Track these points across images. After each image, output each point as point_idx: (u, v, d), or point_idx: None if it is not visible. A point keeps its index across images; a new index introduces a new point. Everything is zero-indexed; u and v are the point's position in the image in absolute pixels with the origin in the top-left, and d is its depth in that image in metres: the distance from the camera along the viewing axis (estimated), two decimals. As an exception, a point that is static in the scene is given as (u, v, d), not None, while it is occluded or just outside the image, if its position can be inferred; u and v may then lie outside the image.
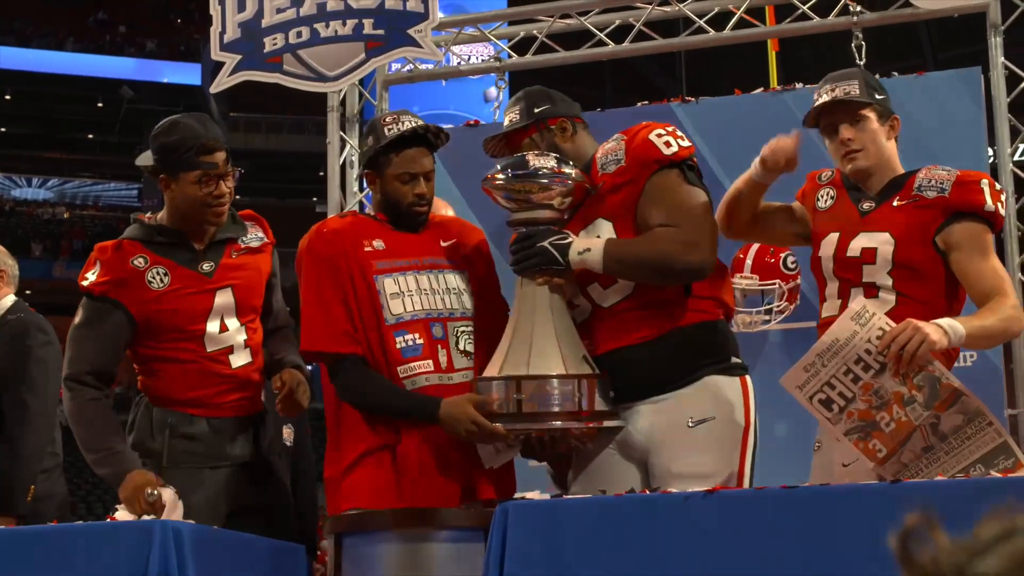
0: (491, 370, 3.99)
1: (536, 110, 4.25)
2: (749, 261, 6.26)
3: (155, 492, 4.03)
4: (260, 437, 4.55)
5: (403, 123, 4.27)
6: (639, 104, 6.90)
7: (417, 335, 4.18)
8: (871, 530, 3.12)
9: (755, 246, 6.21)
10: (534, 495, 3.62)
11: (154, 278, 4.38)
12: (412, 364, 4.13)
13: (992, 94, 6.36)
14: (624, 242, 3.97)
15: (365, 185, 7.18)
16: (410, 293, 4.22)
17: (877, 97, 4.19)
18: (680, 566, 3.33)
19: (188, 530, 3.74)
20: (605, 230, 4.02)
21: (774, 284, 6.23)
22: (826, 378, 3.74)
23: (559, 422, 3.89)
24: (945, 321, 3.73)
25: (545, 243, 3.95)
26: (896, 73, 6.46)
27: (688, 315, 4.03)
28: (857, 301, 3.88)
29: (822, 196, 4.24)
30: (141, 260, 4.40)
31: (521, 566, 3.43)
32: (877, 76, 6.39)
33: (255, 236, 4.62)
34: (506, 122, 4.33)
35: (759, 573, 3.26)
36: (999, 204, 4.01)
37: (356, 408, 4.18)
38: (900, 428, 3.69)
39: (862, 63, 6.51)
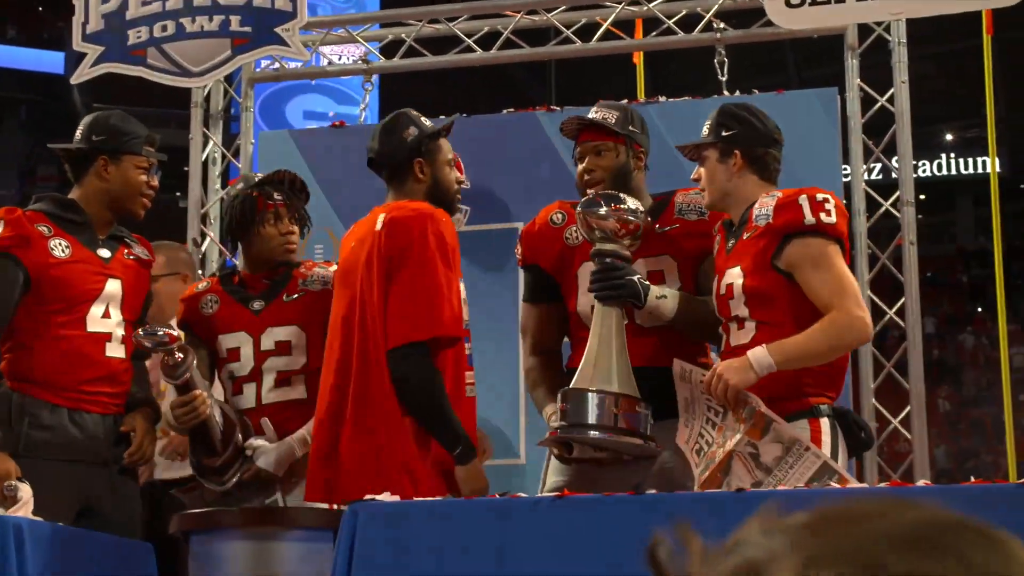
0: (583, 382, 4.12)
1: (631, 128, 4.53)
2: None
3: (14, 485, 3.97)
4: (119, 438, 4.55)
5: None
6: (505, 111, 6.94)
7: (470, 344, 4.46)
8: (715, 535, 3.17)
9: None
10: (384, 496, 3.62)
11: (56, 247, 4.49)
12: (469, 373, 4.31)
13: (847, 114, 6.52)
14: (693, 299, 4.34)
15: (235, 181, 7.14)
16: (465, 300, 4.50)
17: (726, 132, 4.36)
18: (528, 571, 3.36)
19: (30, 526, 3.68)
20: (667, 266, 4.42)
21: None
22: (698, 429, 4.00)
23: (641, 441, 4.14)
24: (753, 354, 3.88)
25: (635, 278, 4.21)
26: (757, 91, 6.59)
27: None
28: (675, 364, 4.15)
29: (717, 242, 4.38)
30: (45, 228, 4.51)
31: (369, 568, 3.43)
32: (738, 93, 6.57)
33: (143, 251, 4.80)
34: (598, 115, 4.64)
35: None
36: (824, 215, 4.10)
37: (406, 397, 4.11)
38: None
39: (724, 79, 6.63)
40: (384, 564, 3.44)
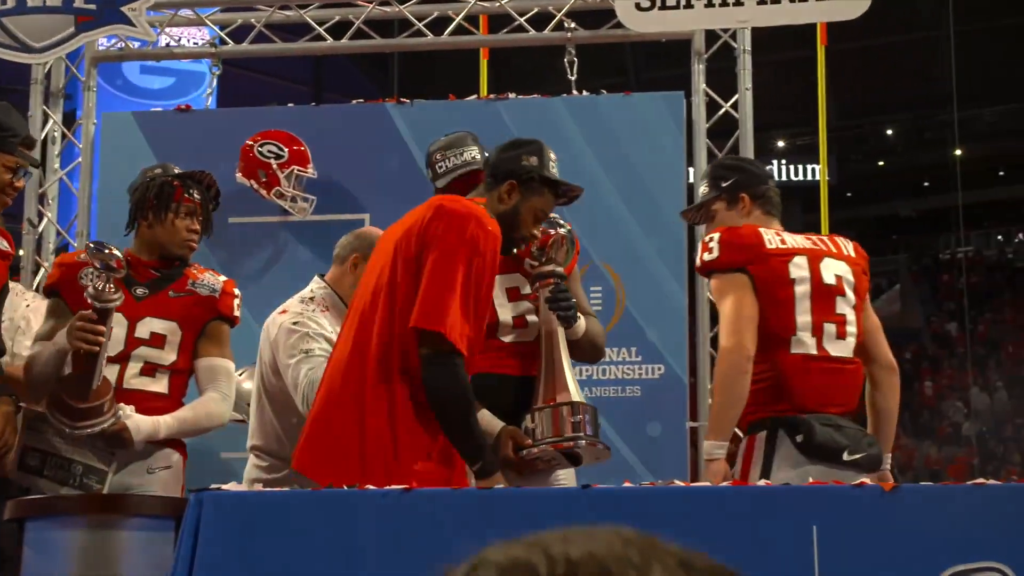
0: (565, 396, 4.27)
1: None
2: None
3: None
4: None
5: (556, 166, 4.33)
6: (354, 102, 6.90)
7: None
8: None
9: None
10: (231, 485, 3.57)
11: None
12: None
13: (693, 118, 6.63)
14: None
15: (82, 159, 6.96)
16: None
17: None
18: (374, 562, 3.35)
19: None
20: (521, 282, 4.50)
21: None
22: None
23: (601, 444, 4.39)
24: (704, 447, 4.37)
25: (573, 300, 4.40)
26: (605, 91, 6.66)
27: None
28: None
29: None
30: None
31: (213, 558, 3.38)
32: (584, 92, 6.63)
33: (2, 242, 4.59)
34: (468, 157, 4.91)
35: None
36: (707, 253, 4.37)
37: (437, 407, 3.93)
38: None
39: (574, 78, 6.69)
40: (229, 554, 3.39)
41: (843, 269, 4.41)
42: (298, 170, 6.35)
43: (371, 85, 26.16)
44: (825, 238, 4.52)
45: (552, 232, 4.39)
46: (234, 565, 3.39)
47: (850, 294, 4.38)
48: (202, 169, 4.98)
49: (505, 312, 4.42)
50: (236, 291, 4.92)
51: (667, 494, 3.46)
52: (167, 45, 7.49)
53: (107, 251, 4.30)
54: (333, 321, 4.94)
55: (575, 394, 4.27)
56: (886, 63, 32.50)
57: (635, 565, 1.09)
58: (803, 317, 4.29)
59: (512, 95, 6.63)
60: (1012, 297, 33.92)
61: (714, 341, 6.43)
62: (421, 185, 6.48)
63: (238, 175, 6.37)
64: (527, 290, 4.46)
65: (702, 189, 4.64)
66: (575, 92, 6.70)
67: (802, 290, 4.30)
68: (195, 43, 10.83)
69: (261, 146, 6.36)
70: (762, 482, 3.87)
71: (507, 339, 4.42)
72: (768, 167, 33.89)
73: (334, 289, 5.07)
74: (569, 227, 4.60)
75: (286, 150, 6.35)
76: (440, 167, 5.04)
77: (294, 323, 4.91)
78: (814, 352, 4.25)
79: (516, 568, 1.09)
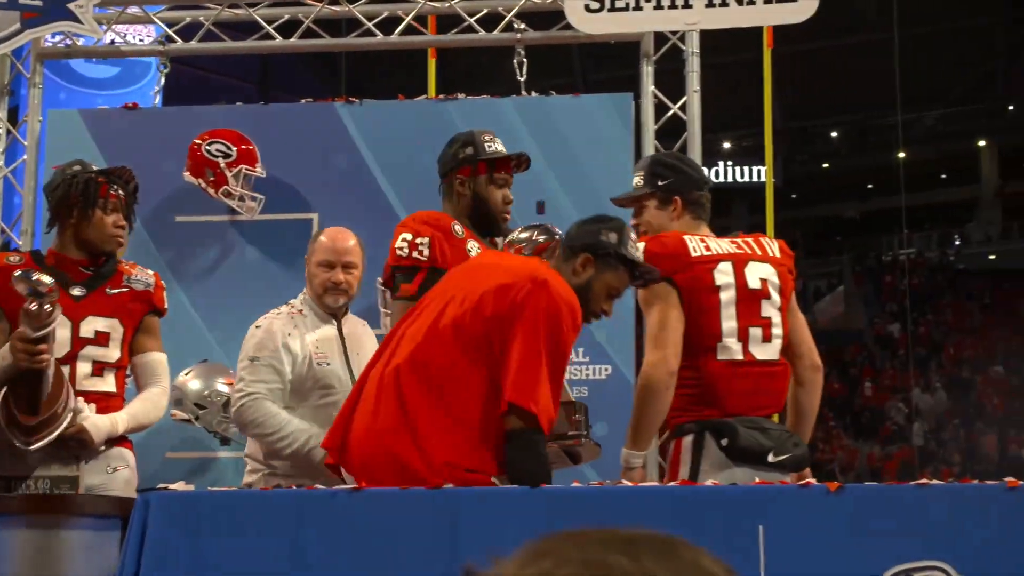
0: (564, 396, 4.29)
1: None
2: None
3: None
4: None
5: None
6: (303, 101, 6.87)
7: None
8: (516, 533, 3.21)
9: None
10: (178, 485, 3.56)
11: None
12: None
13: (641, 120, 6.65)
14: None
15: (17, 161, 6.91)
16: None
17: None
18: (323, 562, 3.34)
19: None
20: None
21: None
22: None
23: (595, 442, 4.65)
24: (622, 455, 4.40)
25: None
26: (554, 92, 6.67)
27: None
28: None
29: None
30: None
31: (160, 559, 3.37)
32: (533, 94, 6.64)
33: None
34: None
35: (404, 570, 3.30)
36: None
37: (515, 480, 3.80)
38: None
39: (523, 79, 6.70)
40: (176, 555, 3.38)
41: (768, 272, 4.45)
42: (246, 169, 6.31)
43: (319, 84, 26.08)
44: (751, 240, 4.55)
45: (551, 239, 4.50)
46: (182, 565, 3.37)
47: (775, 296, 4.42)
48: (123, 165, 4.96)
49: None
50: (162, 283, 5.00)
51: (617, 494, 3.48)
52: (112, 42, 7.42)
53: (35, 278, 4.27)
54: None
55: (569, 394, 4.33)
56: (831, 66, 32.75)
57: None
58: (728, 323, 4.34)
59: (461, 95, 6.63)
60: (953, 299, 34.30)
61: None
62: (370, 185, 6.48)
63: (186, 174, 6.33)
64: None
65: (636, 180, 4.67)
66: (524, 93, 6.70)
67: (727, 296, 4.35)
68: (141, 40, 10.75)
69: (209, 145, 6.32)
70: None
71: None
72: (715, 168, 34.22)
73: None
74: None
75: (234, 149, 6.32)
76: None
77: (253, 352, 5.06)
78: (740, 357, 4.30)
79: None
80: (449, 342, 3.90)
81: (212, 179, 6.30)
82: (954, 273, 36.52)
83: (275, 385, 5.01)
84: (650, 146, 6.69)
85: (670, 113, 6.75)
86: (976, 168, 39.96)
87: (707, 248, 4.41)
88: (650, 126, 6.71)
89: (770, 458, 4.22)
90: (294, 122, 6.61)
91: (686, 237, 4.42)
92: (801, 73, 30.59)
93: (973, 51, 34.71)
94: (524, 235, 4.93)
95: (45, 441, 4.36)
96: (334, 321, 5.17)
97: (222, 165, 6.29)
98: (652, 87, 6.72)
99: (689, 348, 4.29)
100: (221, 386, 5.88)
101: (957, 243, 39.62)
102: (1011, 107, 37.27)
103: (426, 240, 4.51)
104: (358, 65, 25.85)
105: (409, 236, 4.62)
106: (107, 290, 4.78)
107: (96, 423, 4.57)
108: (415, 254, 4.50)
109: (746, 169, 34.47)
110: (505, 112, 6.45)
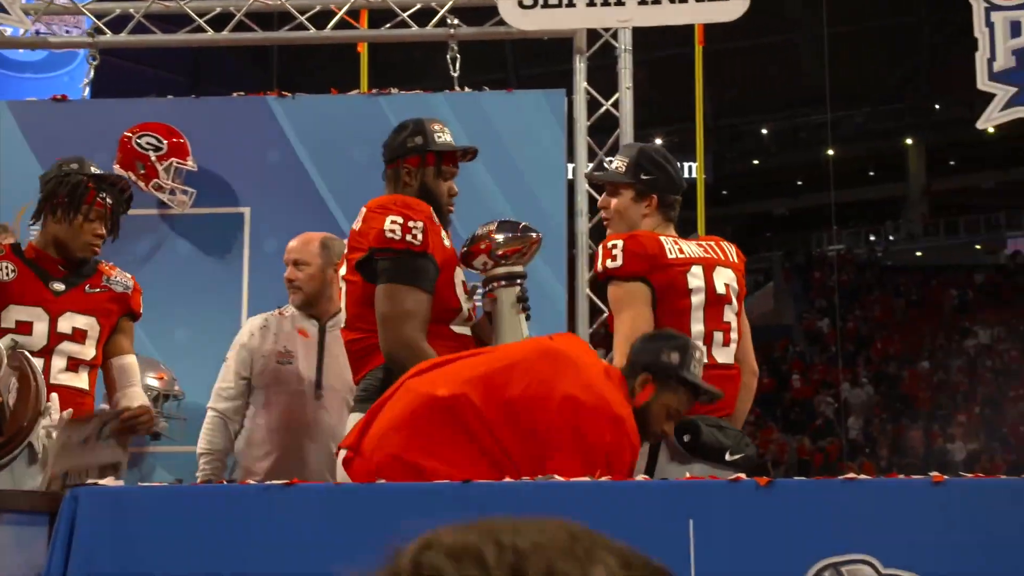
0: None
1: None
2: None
3: None
4: None
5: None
6: (235, 95, 6.83)
7: None
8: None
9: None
10: (107, 481, 3.52)
11: None
12: None
13: (573, 116, 6.67)
14: None
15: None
16: None
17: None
18: (256, 558, 3.32)
19: None
20: None
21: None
22: None
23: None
24: None
25: None
26: (487, 87, 6.68)
27: None
28: None
29: None
30: None
31: (88, 555, 3.33)
32: (467, 89, 6.64)
33: None
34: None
35: (336, 567, 3.29)
36: (610, 260, 4.41)
37: None
38: None
39: (456, 74, 6.69)
40: (105, 551, 3.34)
41: (730, 277, 4.51)
42: (177, 162, 6.27)
43: (252, 78, 25.91)
44: (713, 244, 4.58)
45: (532, 236, 4.55)
46: (110, 561, 3.34)
47: (735, 301, 4.49)
48: (118, 176, 4.99)
49: (465, 303, 4.50)
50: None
51: (546, 488, 3.48)
52: (37, 33, 7.33)
53: None
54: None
55: None
56: (762, 64, 33.01)
57: (579, 559, 1.12)
58: (697, 326, 4.37)
59: (394, 90, 6.61)
60: (881, 294, 34.68)
61: (592, 337, 6.49)
62: (302, 179, 6.45)
63: (116, 167, 6.26)
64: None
65: (618, 164, 4.64)
66: (457, 88, 6.70)
67: (698, 300, 4.39)
68: (67, 31, 10.63)
69: (139, 138, 6.27)
70: (641, 477, 3.91)
71: (457, 329, 4.46)
72: (646, 165, 34.42)
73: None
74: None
75: (165, 142, 6.27)
76: None
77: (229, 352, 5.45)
78: (704, 360, 4.32)
79: (465, 553, 1.13)
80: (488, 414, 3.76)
81: (143, 172, 6.25)
82: (882, 269, 36.94)
83: (228, 386, 5.40)
84: (582, 141, 6.71)
85: (603, 109, 6.78)
86: (903, 166, 40.48)
87: (680, 251, 4.43)
88: (583, 122, 6.73)
89: (727, 457, 4.26)
90: (226, 115, 6.57)
91: (662, 238, 4.43)
92: (732, 71, 30.82)
93: (900, 49, 35.13)
94: (500, 237, 4.79)
95: (11, 456, 4.32)
96: (316, 323, 5.37)
97: (153, 158, 6.24)
98: (585, 83, 6.74)
99: None
100: (151, 380, 5.83)
101: (885, 240, 40.09)
102: (938, 106, 37.74)
103: (420, 225, 4.42)
104: (290, 59, 25.74)
105: (400, 219, 4.47)
106: (86, 288, 4.77)
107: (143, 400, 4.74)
108: (408, 237, 4.40)
109: (677, 165, 34.71)
110: (438, 107, 6.44)
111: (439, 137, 4.63)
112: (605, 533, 1.16)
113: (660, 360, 4.01)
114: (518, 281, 4.50)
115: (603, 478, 3.52)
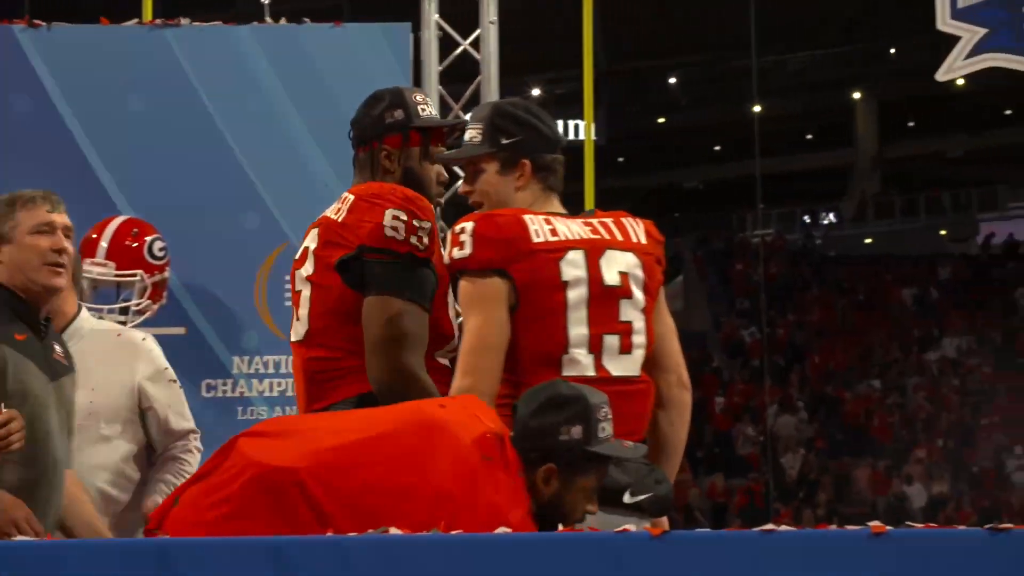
0: None
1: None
2: (104, 244, 6.22)
3: None
4: None
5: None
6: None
7: None
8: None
9: (114, 223, 6.19)
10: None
11: None
12: None
13: (422, 57, 6.68)
14: None
15: None
16: None
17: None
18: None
19: None
20: None
21: (135, 276, 6.22)
22: None
23: None
24: None
25: None
26: (308, 20, 6.65)
27: None
28: None
29: None
30: None
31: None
32: (282, 21, 6.61)
33: None
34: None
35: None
36: (457, 248, 4.37)
37: None
38: None
39: (267, 2, 6.67)
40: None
41: (630, 262, 4.43)
42: None
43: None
44: (609, 221, 4.50)
45: None
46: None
47: (638, 295, 4.40)
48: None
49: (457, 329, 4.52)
50: None
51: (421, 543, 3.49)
52: None
53: None
54: None
55: None
56: (670, -5, 33.32)
57: None
58: (578, 329, 4.30)
59: (185, 21, 6.56)
60: (820, 293, 35.17)
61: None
62: (59, 132, 6.37)
63: None
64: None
65: (472, 134, 4.59)
66: (268, 20, 6.67)
67: (577, 295, 4.31)
68: None
69: None
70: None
71: (443, 360, 4.50)
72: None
73: None
74: None
75: None
76: None
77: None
78: (591, 373, 4.25)
79: None
80: None
81: None
82: (821, 260, 37.51)
83: None
84: (433, 90, 6.73)
85: (460, 50, 6.81)
86: (849, 127, 41.13)
87: (553, 232, 4.35)
88: (433, 65, 6.75)
89: (626, 498, 4.23)
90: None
91: (527, 217, 4.35)
92: (633, 5, 31.08)
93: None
94: None
95: None
96: None
97: None
98: (436, 16, 6.76)
99: (527, 363, 4.27)
100: None
101: (826, 222, 40.76)
102: (893, 50, 38.42)
103: (427, 226, 4.35)
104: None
105: (403, 215, 4.38)
106: None
107: None
108: (413, 239, 4.33)
109: (560, 123, 34.87)
110: (242, 42, 6.42)
111: (423, 110, 4.62)
112: None
113: (559, 442, 3.87)
114: None
115: None
